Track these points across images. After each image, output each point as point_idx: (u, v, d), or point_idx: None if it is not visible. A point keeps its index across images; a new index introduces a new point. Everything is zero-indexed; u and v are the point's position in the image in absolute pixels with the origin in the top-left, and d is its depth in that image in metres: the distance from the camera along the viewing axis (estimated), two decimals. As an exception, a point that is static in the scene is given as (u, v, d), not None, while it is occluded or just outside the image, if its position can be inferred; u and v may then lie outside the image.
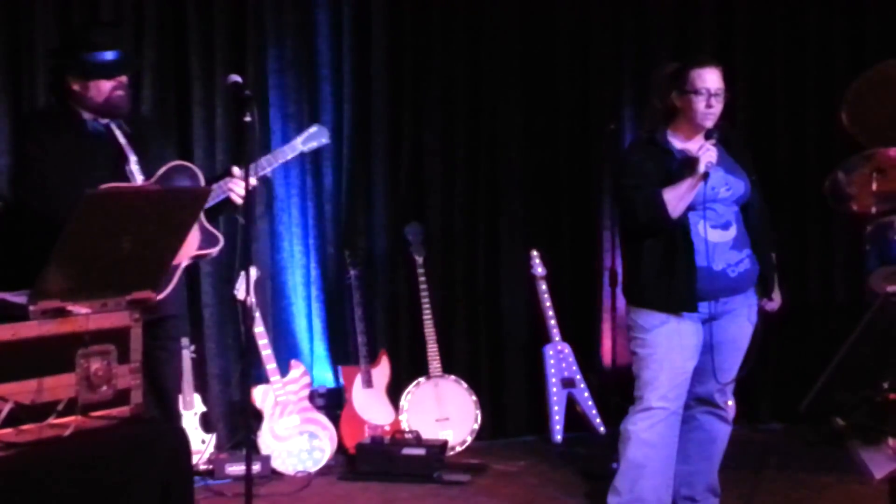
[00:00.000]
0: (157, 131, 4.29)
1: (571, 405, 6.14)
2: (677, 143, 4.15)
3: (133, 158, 4.05)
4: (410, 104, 6.18)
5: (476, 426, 5.92)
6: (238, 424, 5.63)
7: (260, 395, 5.46)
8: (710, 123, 4.09)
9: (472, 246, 6.28)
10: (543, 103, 6.39)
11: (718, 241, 4.07)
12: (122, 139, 4.06)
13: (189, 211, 3.33)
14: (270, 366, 5.48)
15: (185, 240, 3.59)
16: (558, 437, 6.05)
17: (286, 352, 5.84)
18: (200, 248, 4.07)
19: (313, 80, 6.03)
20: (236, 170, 4.13)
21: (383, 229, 6.13)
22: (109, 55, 4.00)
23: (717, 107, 4.08)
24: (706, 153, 3.98)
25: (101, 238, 2.95)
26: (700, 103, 4.05)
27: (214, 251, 4.17)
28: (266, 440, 5.43)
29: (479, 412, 5.93)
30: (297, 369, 5.63)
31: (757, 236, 4.19)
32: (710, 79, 4.06)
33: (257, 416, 5.43)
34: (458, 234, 6.26)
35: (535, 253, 6.19)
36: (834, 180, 5.39)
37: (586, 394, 6.17)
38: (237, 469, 5.20)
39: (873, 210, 5.36)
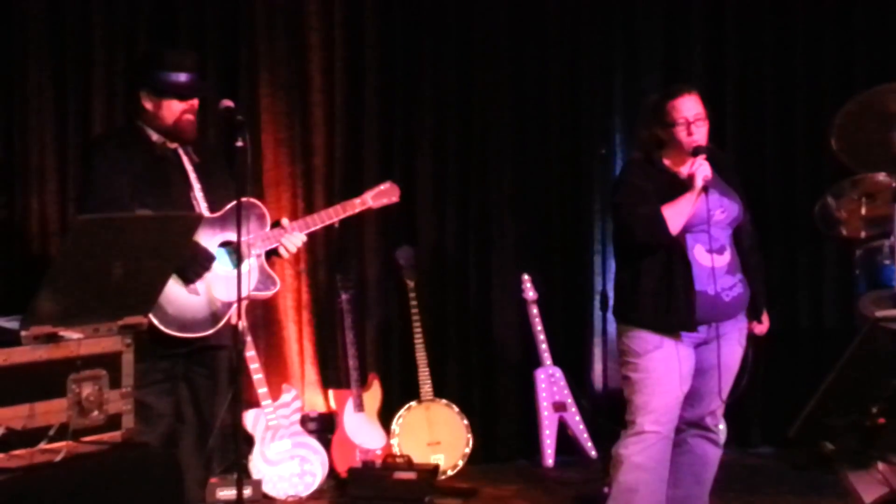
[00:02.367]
0: (223, 162, 4.28)
1: (563, 429, 6.14)
2: (671, 166, 4.19)
3: (197, 186, 4.04)
4: (401, 128, 6.20)
5: (467, 450, 5.92)
6: (229, 449, 5.61)
7: (251, 420, 5.45)
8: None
9: (464, 270, 6.30)
10: (534, 128, 6.41)
11: (714, 266, 4.09)
12: (188, 166, 4.06)
13: (181, 237, 3.33)
14: (261, 390, 5.48)
15: (176, 265, 3.60)
16: (550, 461, 6.05)
17: (277, 376, 5.84)
18: (256, 288, 4.07)
19: (305, 104, 6.04)
20: (286, 222, 4.18)
21: (374, 253, 6.13)
22: (184, 76, 4.00)
23: (701, 130, 4.11)
24: (700, 167, 4.03)
25: (93, 264, 2.95)
26: (682, 133, 4.09)
27: (269, 294, 4.18)
28: (257, 464, 5.42)
29: (470, 436, 5.93)
30: (288, 393, 5.63)
31: (748, 259, 4.22)
32: (687, 107, 4.10)
33: (248, 441, 5.42)
34: (450, 258, 6.27)
35: (526, 277, 6.20)
36: (823, 205, 5.42)
37: (577, 418, 6.17)
38: (228, 494, 5.18)
39: (862, 235, 5.39)
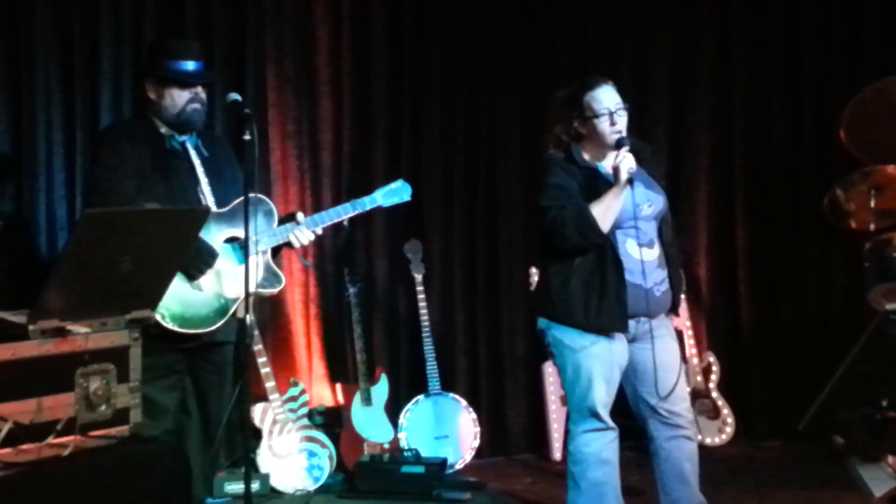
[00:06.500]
0: (232, 156, 4.28)
1: (570, 422, 6.13)
2: (592, 161, 4.13)
3: (205, 180, 4.06)
4: (409, 121, 6.19)
5: (475, 444, 5.91)
6: (236, 443, 5.62)
7: (259, 414, 5.45)
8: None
9: (471, 263, 6.28)
10: (542, 121, 6.36)
11: (646, 260, 4.05)
12: (196, 160, 4.07)
13: (189, 231, 3.32)
14: (269, 384, 5.47)
15: (184, 259, 3.59)
16: (557, 455, 6.04)
17: (285, 370, 5.84)
18: (262, 285, 4.05)
19: (313, 97, 6.04)
20: (301, 216, 4.18)
21: (382, 247, 6.13)
22: (186, 65, 4.02)
23: (622, 120, 4.04)
24: (624, 160, 3.95)
25: (102, 257, 2.95)
26: (604, 124, 4.03)
27: (275, 290, 4.19)
28: (265, 459, 5.42)
29: (478, 430, 5.93)
30: (295, 387, 5.62)
31: (669, 251, 4.17)
32: (607, 98, 4.04)
33: (256, 435, 5.42)
34: (458, 252, 6.26)
35: (533, 270, 6.18)
36: (832, 197, 5.41)
37: (585, 411, 6.16)
38: (236, 488, 5.19)
39: (872, 227, 5.37)
